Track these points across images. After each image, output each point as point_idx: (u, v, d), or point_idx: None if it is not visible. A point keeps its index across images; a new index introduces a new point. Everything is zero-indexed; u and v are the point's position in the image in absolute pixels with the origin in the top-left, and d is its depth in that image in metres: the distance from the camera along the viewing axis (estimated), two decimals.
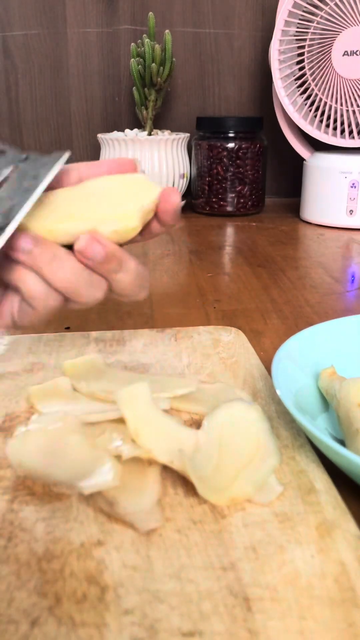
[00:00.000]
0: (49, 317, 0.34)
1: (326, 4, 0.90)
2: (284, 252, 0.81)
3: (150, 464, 0.31)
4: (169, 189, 0.35)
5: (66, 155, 0.34)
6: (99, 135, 1.04)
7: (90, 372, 0.40)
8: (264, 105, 1.14)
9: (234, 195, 1.04)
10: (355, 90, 0.92)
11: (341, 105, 0.94)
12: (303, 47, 0.95)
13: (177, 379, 0.41)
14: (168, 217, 0.35)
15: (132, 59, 1.00)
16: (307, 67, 0.95)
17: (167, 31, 0.99)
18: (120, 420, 0.32)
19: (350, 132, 0.95)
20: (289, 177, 1.20)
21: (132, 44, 1.01)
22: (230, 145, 1.01)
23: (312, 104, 0.98)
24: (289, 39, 0.95)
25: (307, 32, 0.93)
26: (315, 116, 0.98)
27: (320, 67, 0.94)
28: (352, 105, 0.93)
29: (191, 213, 1.08)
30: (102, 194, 0.34)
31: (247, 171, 1.03)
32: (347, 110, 0.94)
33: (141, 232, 0.36)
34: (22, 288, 0.33)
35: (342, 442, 0.34)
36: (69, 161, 0.35)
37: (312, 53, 0.94)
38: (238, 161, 1.02)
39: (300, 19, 0.94)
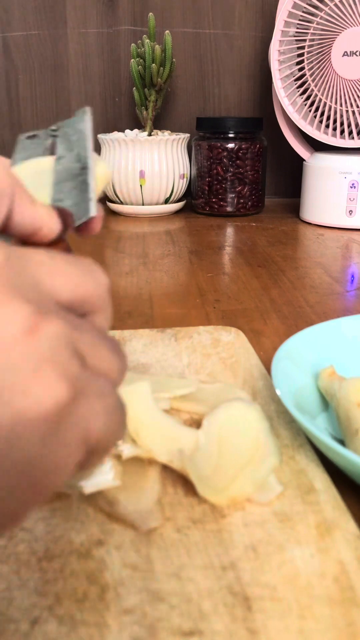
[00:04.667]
0: None
1: (326, 5, 0.90)
2: (283, 252, 0.81)
3: (150, 463, 0.31)
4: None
5: (87, 108, 0.33)
6: (99, 136, 1.04)
7: None
8: (263, 105, 1.14)
9: (233, 195, 1.04)
10: (355, 90, 0.92)
11: (341, 105, 0.94)
12: (303, 47, 0.95)
13: (177, 379, 0.41)
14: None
15: (132, 60, 1.00)
16: (306, 68, 0.96)
17: (167, 32, 0.99)
18: None
19: (350, 133, 0.95)
20: (289, 178, 1.20)
21: (132, 44, 1.01)
22: (230, 145, 1.01)
23: (311, 104, 0.98)
24: (289, 40, 0.95)
25: (306, 33, 0.93)
26: (315, 116, 0.98)
27: (320, 68, 0.94)
28: (351, 105, 0.93)
29: (191, 213, 1.08)
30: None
31: (247, 171, 1.03)
32: (347, 111, 0.94)
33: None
34: None
35: (341, 442, 0.34)
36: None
37: (311, 54, 0.94)
38: (238, 161, 1.02)
39: (300, 20, 0.94)
